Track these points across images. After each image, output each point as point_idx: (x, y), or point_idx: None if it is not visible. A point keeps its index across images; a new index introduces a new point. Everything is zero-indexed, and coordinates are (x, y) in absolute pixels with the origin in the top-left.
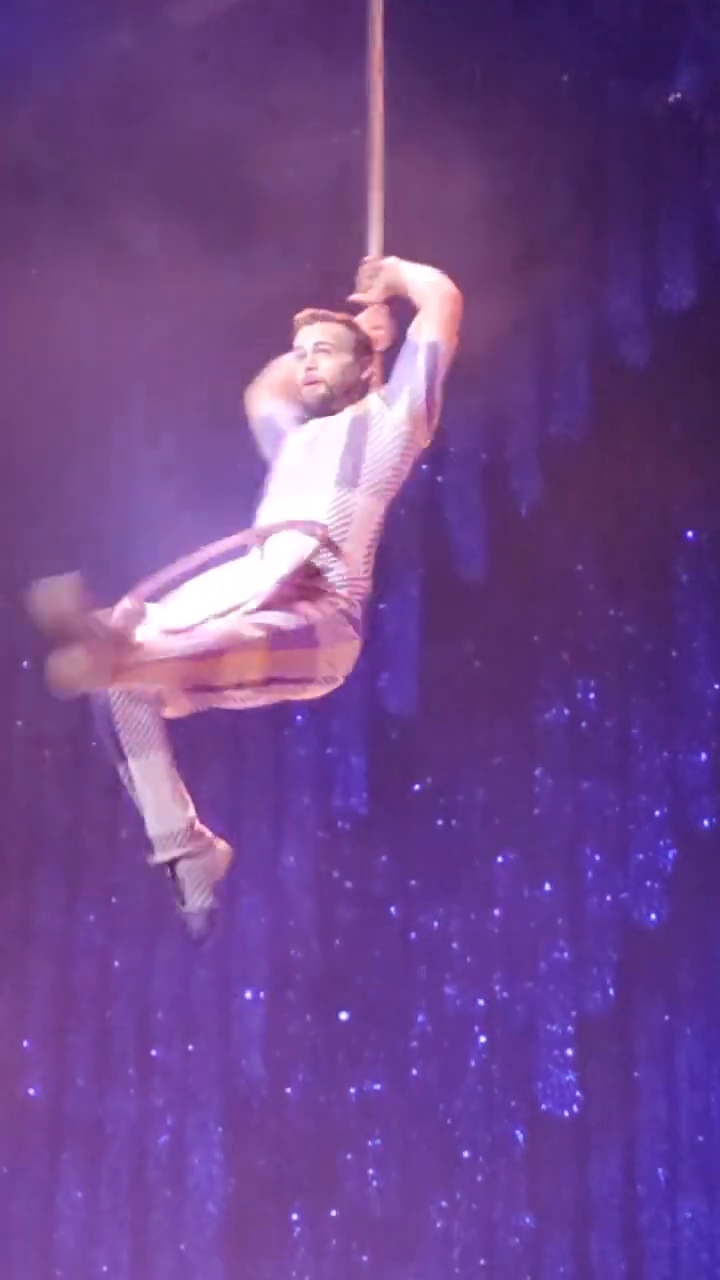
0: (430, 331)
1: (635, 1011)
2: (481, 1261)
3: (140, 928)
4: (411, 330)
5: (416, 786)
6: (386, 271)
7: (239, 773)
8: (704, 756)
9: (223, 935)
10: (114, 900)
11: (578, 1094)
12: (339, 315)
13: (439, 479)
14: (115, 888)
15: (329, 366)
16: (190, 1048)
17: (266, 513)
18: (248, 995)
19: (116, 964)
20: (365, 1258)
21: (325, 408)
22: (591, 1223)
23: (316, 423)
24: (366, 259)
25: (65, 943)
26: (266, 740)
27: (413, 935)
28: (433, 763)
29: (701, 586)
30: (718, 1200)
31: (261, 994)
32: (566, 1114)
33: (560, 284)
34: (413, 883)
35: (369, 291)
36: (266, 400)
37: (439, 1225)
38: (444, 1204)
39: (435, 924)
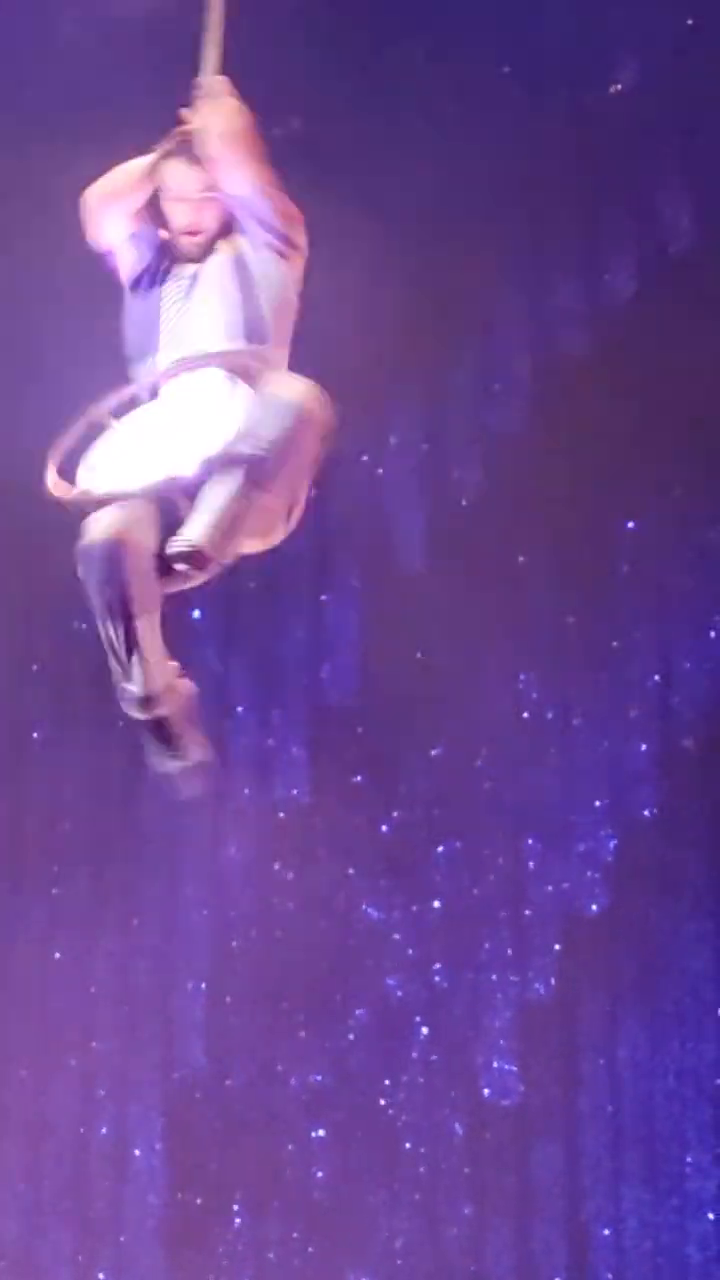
0: (237, 186)
1: (577, 1001)
2: (424, 1252)
3: (81, 919)
4: (224, 183)
5: (358, 777)
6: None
7: None
8: (644, 747)
9: (163, 926)
10: (55, 891)
11: (519, 1085)
12: None
13: (379, 470)
14: (56, 879)
15: (213, 216)
16: (131, 1039)
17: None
18: (189, 986)
19: (57, 955)
20: (307, 1249)
21: (200, 256)
22: (534, 1212)
23: (188, 270)
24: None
25: (6, 934)
26: (208, 731)
27: (354, 926)
28: (374, 754)
29: (642, 577)
30: (661, 1189)
31: (202, 985)
32: (508, 1104)
33: (501, 274)
34: (353, 874)
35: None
36: (126, 224)
37: (381, 1216)
38: (386, 1194)
39: (376, 915)
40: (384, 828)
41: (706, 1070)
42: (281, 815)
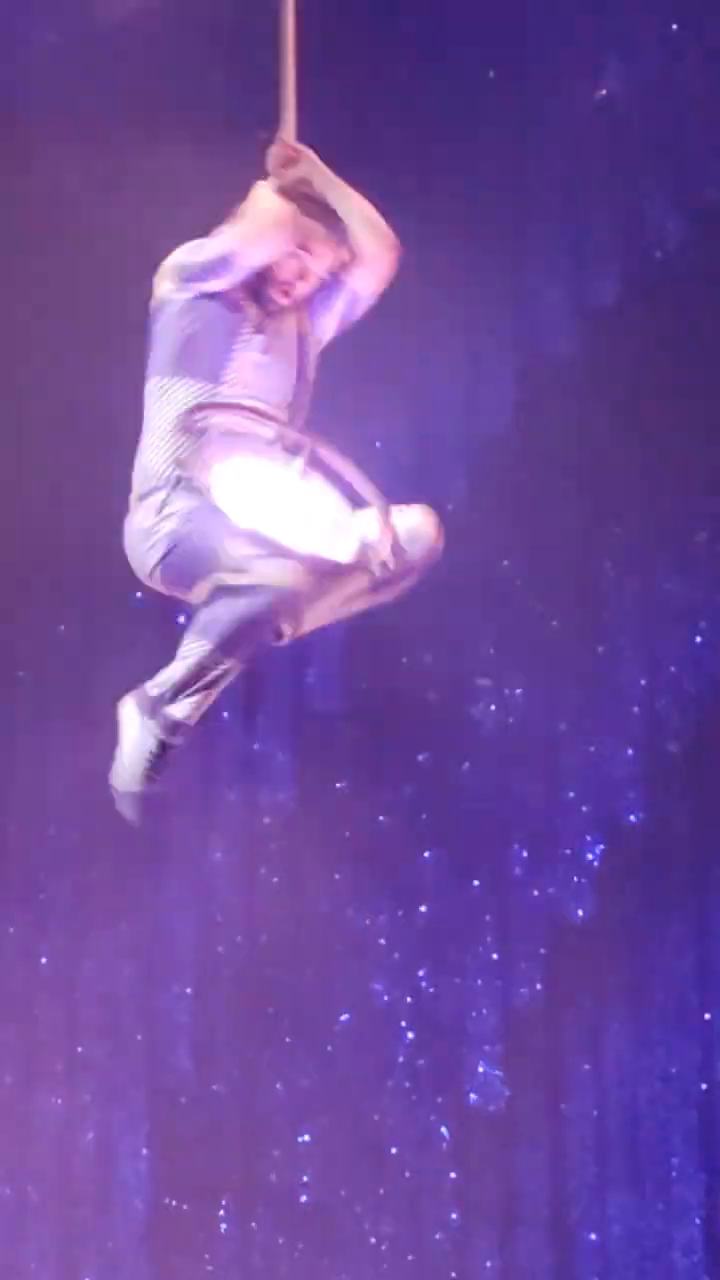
0: (368, 286)
1: (562, 1006)
2: (409, 1257)
3: (67, 924)
4: (350, 276)
5: (343, 783)
6: (306, 164)
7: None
8: (630, 752)
9: (149, 931)
10: (41, 897)
11: (505, 1089)
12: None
13: None
14: (42, 884)
15: (311, 287)
16: (117, 1044)
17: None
18: (174, 991)
19: (43, 961)
20: (293, 1253)
21: (274, 313)
22: (519, 1218)
23: (253, 316)
24: (280, 139)
25: None
26: (193, 736)
27: (340, 931)
28: (359, 759)
29: (627, 581)
30: (646, 1195)
31: (188, 990)
32: (493, 1108)
33: (485, 279)
34: (339, 878)
35: (281, 178)
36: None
37: (367, 1220)
38: (372, 1199)
39: (362, 920)
40: (369, 833)
41: (692, 1074)
42: (267, 820)
